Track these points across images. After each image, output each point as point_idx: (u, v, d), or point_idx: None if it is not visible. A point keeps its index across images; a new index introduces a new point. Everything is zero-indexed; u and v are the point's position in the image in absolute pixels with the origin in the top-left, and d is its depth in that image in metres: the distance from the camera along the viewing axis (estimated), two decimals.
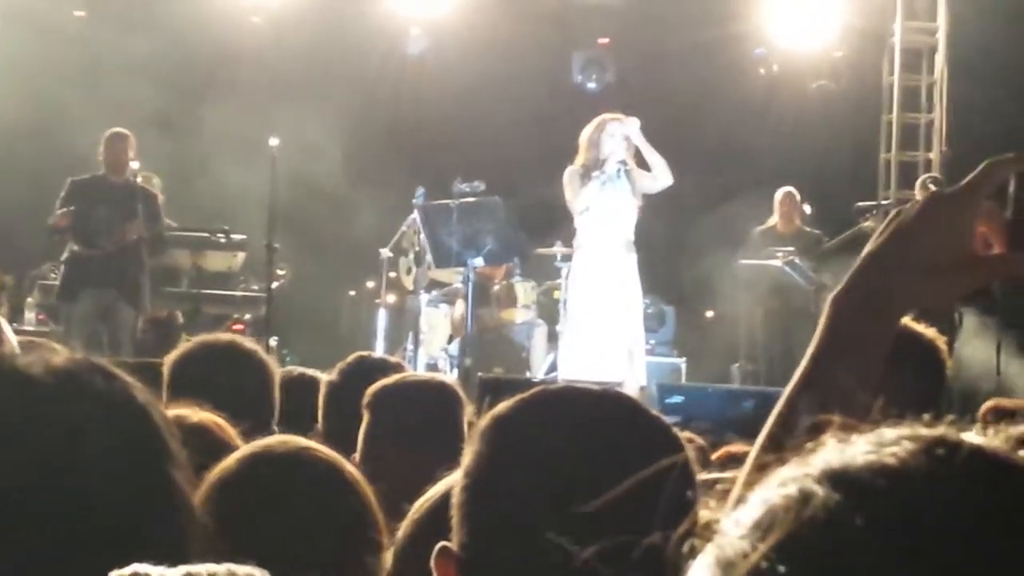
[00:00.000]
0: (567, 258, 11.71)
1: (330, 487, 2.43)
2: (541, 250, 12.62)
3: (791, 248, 12.16)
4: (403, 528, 2.27)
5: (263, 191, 11.06)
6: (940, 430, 0.84)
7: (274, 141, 10.93)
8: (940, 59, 14.89)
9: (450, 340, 12.28)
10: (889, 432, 0.84)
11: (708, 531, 0.85)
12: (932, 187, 11.74)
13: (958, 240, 1.52)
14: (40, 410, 1.66)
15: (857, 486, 0.80)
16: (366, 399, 3.76)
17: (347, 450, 3.06)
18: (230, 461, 2.45)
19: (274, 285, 11.51)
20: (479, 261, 10.98)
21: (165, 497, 1.69)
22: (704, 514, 0.89)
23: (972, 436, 0.84)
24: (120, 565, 1.48)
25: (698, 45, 14.19)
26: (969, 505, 0.79)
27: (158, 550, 1.52)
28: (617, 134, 10.84)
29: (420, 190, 11.64)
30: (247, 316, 13.04)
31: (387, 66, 14.87)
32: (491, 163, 12.59)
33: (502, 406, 1.75)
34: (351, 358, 4.60)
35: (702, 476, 1.70)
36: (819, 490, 0.81)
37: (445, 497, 1.81)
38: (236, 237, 12.23)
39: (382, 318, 12.81)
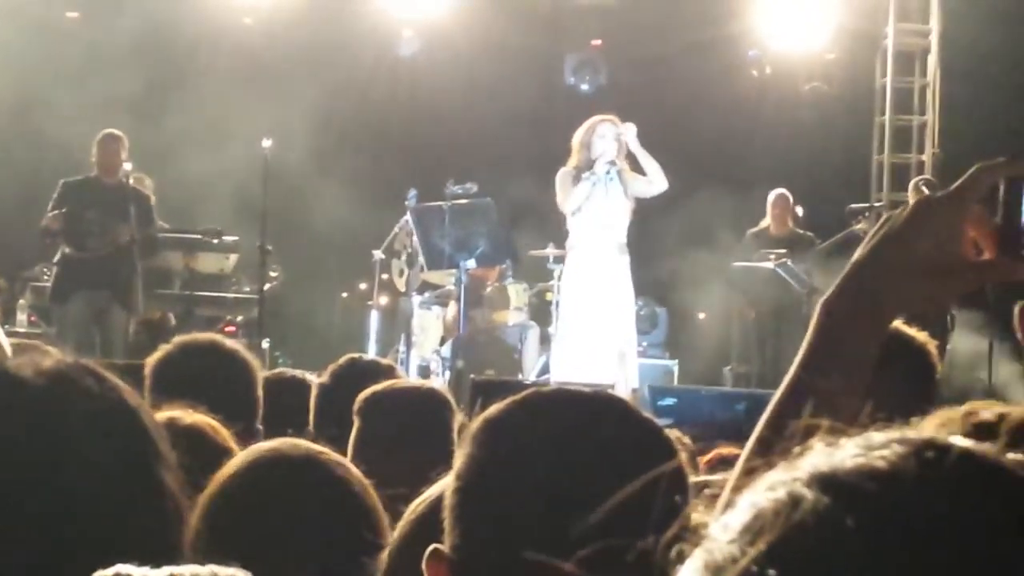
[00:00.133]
0: (559, 260, 11.71)
1: (341, 490, 2.43)
2: (533, 252, 12.62)
3: (784, 250, 12.16)
4: (398, 529, 2.27)
5: (255, 192, 11.05)
6: (928, 433, 0.84)
7: (266, 143, 10.92)
8: (933, 61, 14.91)
9: (442, 342, 12.27)
10: (877, 436, 0.84)
11: (696, 535, 0.85)
12: (925, 189, 11.75)
13: (948, 244, 1.52)
14: (30, 412, 1.66)
15: (847, 489, 0.80)
16: (356, 405, 3.77)
17: (339, 453, 3.05)
18: (238, 464, 2.44)
19: (266, 287, 11.50)
20: (471, 263, 10.98)
21: (154, 499, 1.69)
22: (694, 517, 0.88)
23: (959, 439, 0.84)
24: (108, 566, 1.48)
25: (691, 47, 14.20)
26: (960, 508, 0.79)
27: (147, 552, 1.52)
28: (608, 135, 10.85)
29: (412, 192, 11.63)
30: (239, 318, 13.04)
31: (379, 68, 14.86)
32: (483, 165, 12.61)
33: (494, 408, 1.75)
34: (343, 360, 4.60)
35: (693, 479, 1.71)
36: (808, 494, 0.80)
37: (439, 499, 1.81)
38: (228, 239, 12.21)
39: (374, 320, 12.81)
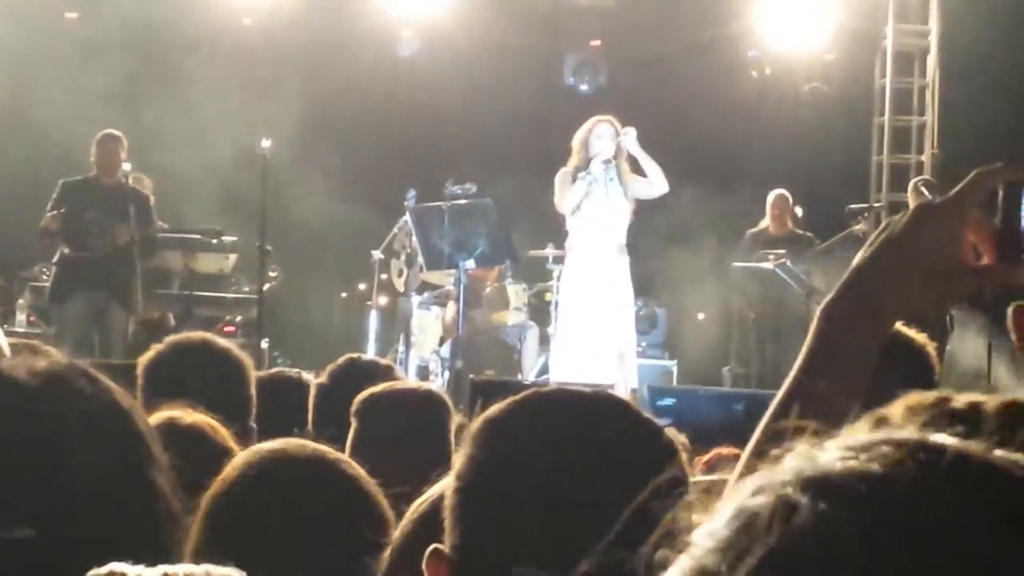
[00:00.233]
0: (559, 260, 11.71)
1: (351, 489, 2.43)
2: (533, 252, 12.62)
3: (783, 251, 12.16)
4: (400, 528, 2.28)
5: (254, 192, 11.05)
6: (913, 433, 0.83)
7: (266, 143, 10.92)
8: (932, 62, 14.91)
9: (441, 342, 12.27)
10: (860, 436, 0.83)
11: (682, 541, 0.83)
12: (924, 189, 11.75)
13: (947, 250, 1.52)
14: (23, 413, 1.67)
15: (843, 495, 0.79)
16: (354, 407, 3.77)
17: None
18: (244, 464, 2.42)
19: (266, 287, 11.50)
20: (471, 263, 10.97)
21: (146, 500, 1.69)
22: (694, 519, 0.87)
23: (942, 437, 0.83)
24: (100, 566, 1.48)
25: (690, 47, 14.20)
26: (959, 509, 0.79)
27: (139, 552, 1.52)
28: (605, 135, 10.88)
29: (411, 192, 11.63)
30: (238, 318, 13.04)
31: (379, 68, 14.85)
32: (483, 165, 12.61)
33: (494, 408, 1.75)
34: (342, 360, 4.61)
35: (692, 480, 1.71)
36: (802, 499, 0.80)
37: (441, 499, 1.81)
38: (227, 239, 12.21)
39: (373, 320, 12.80)
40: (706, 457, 4.38)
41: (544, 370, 11.89)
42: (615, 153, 10.86)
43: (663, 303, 13.78)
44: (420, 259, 11.36)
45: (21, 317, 12.71)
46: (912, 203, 11.98)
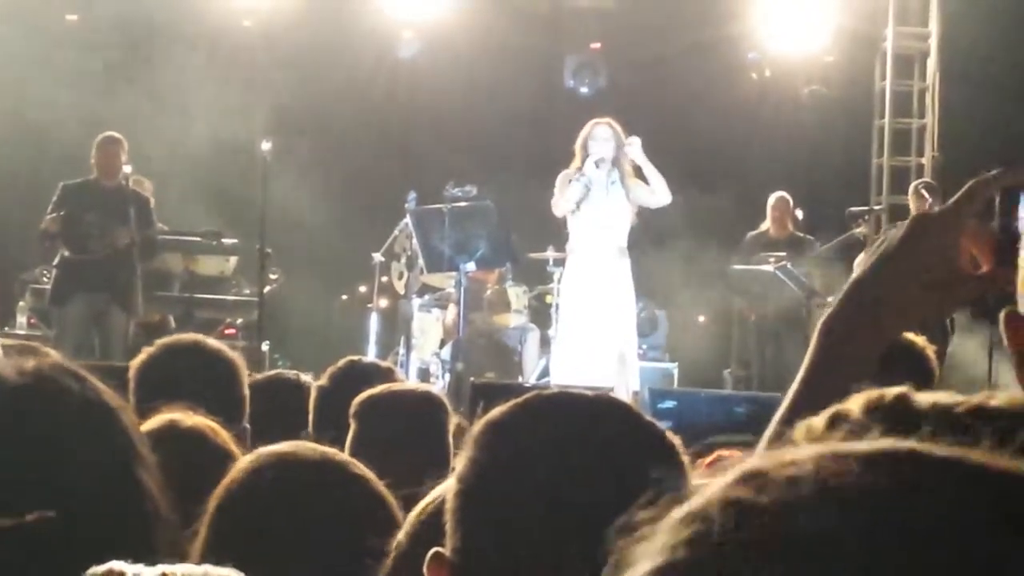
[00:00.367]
0: (559, 263, 11.71)
1: (361, 490, 2.43)
2: (533, 255, 12.62)
3: (783, 253, 12.16)
4: (402, 530, 2.28)
5: (254, 194, 11.05)
6: (891, 444, 0.82)
7: (266, 145, 10.92)
8: (932, 64, 14.92)
9: (442, 345, 12.28)
10: (842, 445, 0.83)
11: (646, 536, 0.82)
12: (924, 192, 11.75)
13: (945, 259, 1.53)
14: (10, 412, 1.67)
15: (843, 496, 0.79)
16: (353, 409, 3.77)
17: None
18: (251, 467, 2.41)
19: (266, 289, 11.50)
20: (471, 266, 10.98)
21: (134, 499, 1.69)
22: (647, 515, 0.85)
23: (938, 448, 0.83)
24: (88, 566, 1.48)
25: (690, 49, 14.20)
26: (962, 510, 0.79)
27: (126, 552, 1.53)
28: (601, 137, 10.89)
29: (412, 194, 11.64)
30: (239, 320, 13.05)
31: (379, 70, 14.85)
32: (483, 167, 12.62)
33: (495, 411, 1.75)
34: (342, 363, 4.60)
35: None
36: (802, 500, 0.79)
37: (443, 502, 1.81)
38: (228, 241, 12.21)
39: (374, 322, 12.81)
40: (707, 459, 4.38)
41: (545, 373, 11.89)
42: (617, 157, 10.86)
43: (663, 305, 13.77)
44: (421, 261, 11.37)
45: (22, 319, 12.71)
46: (912, 205, 12.02)
